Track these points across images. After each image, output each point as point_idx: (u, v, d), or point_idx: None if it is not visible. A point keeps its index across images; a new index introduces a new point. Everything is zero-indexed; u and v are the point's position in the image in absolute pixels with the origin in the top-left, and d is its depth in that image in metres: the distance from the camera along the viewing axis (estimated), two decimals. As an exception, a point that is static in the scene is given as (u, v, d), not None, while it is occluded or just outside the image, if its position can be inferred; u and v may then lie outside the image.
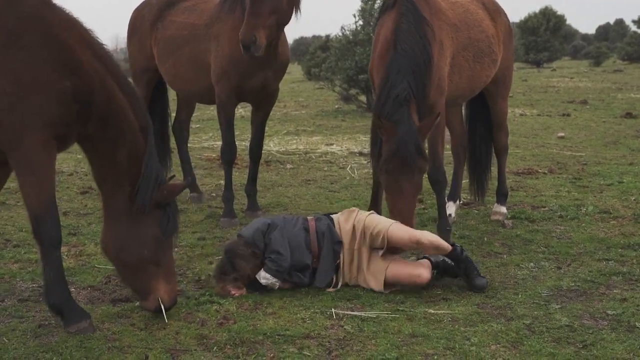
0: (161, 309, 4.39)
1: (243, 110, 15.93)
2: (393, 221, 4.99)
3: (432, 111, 5.67)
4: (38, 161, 4.07)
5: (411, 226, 5.10)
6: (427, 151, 5.27)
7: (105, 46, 4.40)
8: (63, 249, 5.33)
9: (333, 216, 5.20)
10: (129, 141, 4.30)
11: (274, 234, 4.93)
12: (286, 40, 7.09)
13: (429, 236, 4.90)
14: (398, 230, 4.88)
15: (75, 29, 4.23)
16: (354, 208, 5.25)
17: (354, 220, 5.05)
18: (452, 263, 5.01)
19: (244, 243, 4.95)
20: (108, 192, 4.38)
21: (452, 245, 5.02)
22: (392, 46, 5.48)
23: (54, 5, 4.24)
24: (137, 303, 4.70)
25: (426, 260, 5.05)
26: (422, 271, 4.89)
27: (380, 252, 4.93)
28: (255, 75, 6.67)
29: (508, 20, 6.91)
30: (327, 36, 27.52)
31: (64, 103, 4.08)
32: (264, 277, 4.86)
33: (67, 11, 4.26)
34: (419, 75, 5.38)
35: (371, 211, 5.24)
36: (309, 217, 5.19)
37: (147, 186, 4.29)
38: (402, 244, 4.89)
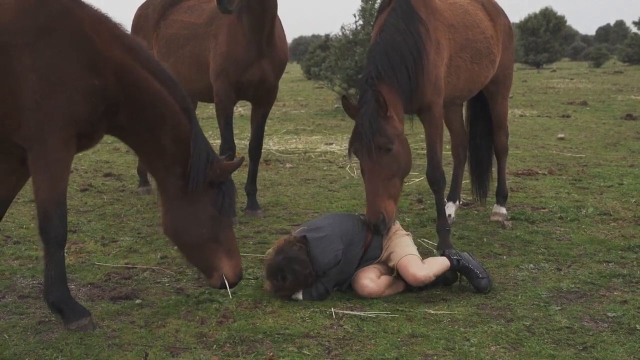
0: (226, 285, 4.49)
1: (242, 109, 15.93)
2: (409, 253, 4.97)
3: (429, 111, 5.70)
4: (56, 159, 4.05)
5: (384, 209, 5.02)
6: (391, 130, 5.13)
7: (134, 38, 4.41)
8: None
9: None
10: (170, 125, 4.31)
11: (337, 268, 4.83)
12: (285, 38, 7.11)
13: (429, 271, 4.85)
14: (404, 264, 4.87)
15: (104, 25, 4.22)
16: (397, 223, 5.23)
17: (388, 238, 5.08)
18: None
19: (306, 263, 4.75)
20: (160, 177, 4.43)
21: (448, 258, 4.99)
22: (375, 38, 5.57)
23: (83, 3, 4.23)
24: (138, 301, 4.71)
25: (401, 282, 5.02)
26: (364, 283, 4.86)
27: (379, 271, 4.98)
28: (252, 67, 6.68)
29: (508, 21, 6.90)
30: (327, 35, 27.45)
31: (90, 101, 4.07)
32: (296, 297, 4.78)
33: (96, 8, 4.26)
34: (399, 60, 5.37)
35: (408, 233, 5.24)
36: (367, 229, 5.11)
37: (198, 165, 4.32)
38: (405, 278, 4.90)
